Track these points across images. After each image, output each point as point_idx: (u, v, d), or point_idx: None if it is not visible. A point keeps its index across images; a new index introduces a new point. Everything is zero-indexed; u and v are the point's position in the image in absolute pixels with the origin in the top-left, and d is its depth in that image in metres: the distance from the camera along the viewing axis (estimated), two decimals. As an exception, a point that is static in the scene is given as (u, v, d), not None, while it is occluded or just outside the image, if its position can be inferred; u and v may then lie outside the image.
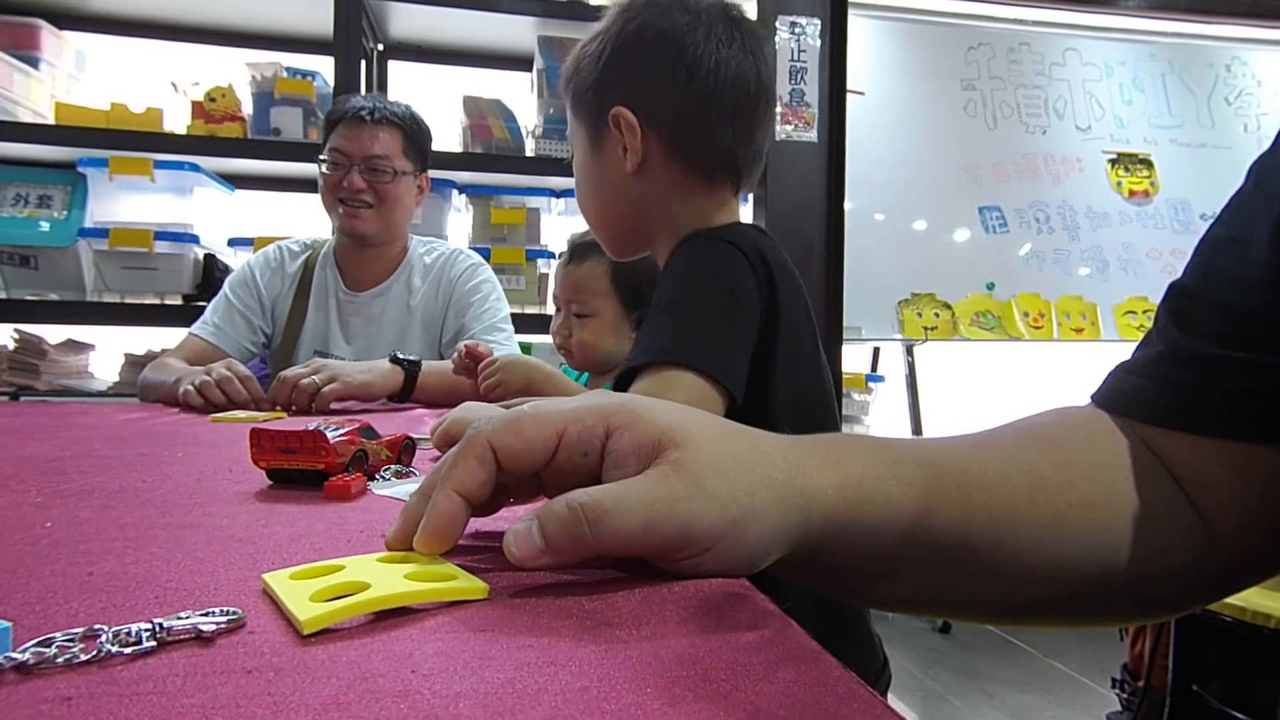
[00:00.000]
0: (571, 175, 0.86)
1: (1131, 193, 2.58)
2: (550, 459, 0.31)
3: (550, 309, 1.98)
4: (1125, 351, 0.46)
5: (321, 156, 1.48)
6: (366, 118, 1.46)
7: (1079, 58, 2.67)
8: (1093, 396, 0.46)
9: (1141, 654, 1.54)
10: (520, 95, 2.30)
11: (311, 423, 0.52)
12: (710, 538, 0.29)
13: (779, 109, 2.07)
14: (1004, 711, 1.92)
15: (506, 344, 1.52)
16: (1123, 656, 1.64)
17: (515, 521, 0.30)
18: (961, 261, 2.43)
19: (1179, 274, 0.43)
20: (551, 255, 2.21)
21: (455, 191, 2.20)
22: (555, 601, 0.28)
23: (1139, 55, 2.71)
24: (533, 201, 2.22)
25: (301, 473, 0.49)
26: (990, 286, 2.42)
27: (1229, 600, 1.21)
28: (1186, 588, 0.41)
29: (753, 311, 0.69)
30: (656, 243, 0.80)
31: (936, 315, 2.33)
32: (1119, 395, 0.43)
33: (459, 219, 2.26)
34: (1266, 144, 0.42)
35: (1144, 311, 2.46)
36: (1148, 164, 2.62)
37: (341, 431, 0.51)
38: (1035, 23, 2.67)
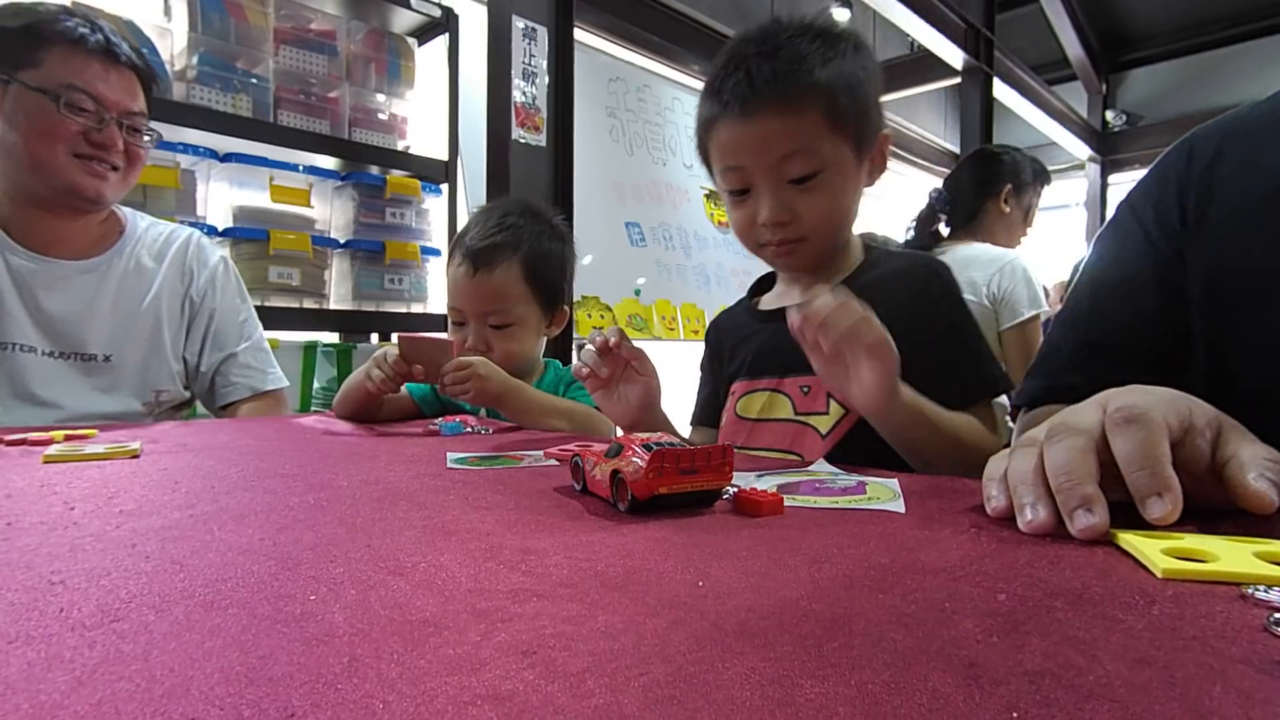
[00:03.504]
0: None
1: (720, 223, 3.23)
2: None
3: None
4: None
5: (40, 86, 1.05)
6: (120, 56, 1.11)
7: (682, 106, 3.23)
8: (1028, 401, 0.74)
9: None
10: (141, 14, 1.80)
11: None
12: None
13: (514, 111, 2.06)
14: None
15: (274, 368, 1.31)
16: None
17: (1251, 478, 0.38)
18: (616, 269, 2.74)
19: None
20: (212, 231, 1.82)
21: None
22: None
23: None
24: (186, 161, 1.78)
25: (685, 495, 0.43)
26: (637, 292, 2.78)
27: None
28: None
29: None
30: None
31: (602, 316, 2.59)
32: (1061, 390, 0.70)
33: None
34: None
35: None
36: (725, 200, 3.30)
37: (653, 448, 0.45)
38: (647, 70, 3.13)
